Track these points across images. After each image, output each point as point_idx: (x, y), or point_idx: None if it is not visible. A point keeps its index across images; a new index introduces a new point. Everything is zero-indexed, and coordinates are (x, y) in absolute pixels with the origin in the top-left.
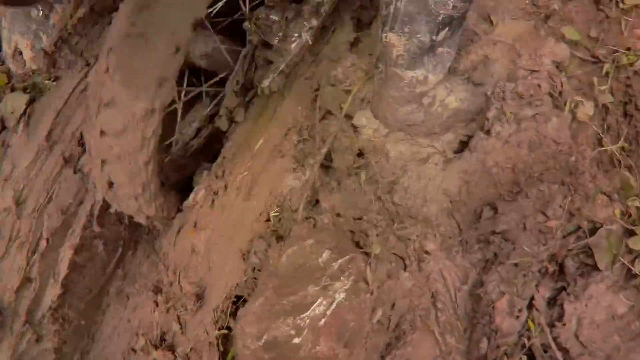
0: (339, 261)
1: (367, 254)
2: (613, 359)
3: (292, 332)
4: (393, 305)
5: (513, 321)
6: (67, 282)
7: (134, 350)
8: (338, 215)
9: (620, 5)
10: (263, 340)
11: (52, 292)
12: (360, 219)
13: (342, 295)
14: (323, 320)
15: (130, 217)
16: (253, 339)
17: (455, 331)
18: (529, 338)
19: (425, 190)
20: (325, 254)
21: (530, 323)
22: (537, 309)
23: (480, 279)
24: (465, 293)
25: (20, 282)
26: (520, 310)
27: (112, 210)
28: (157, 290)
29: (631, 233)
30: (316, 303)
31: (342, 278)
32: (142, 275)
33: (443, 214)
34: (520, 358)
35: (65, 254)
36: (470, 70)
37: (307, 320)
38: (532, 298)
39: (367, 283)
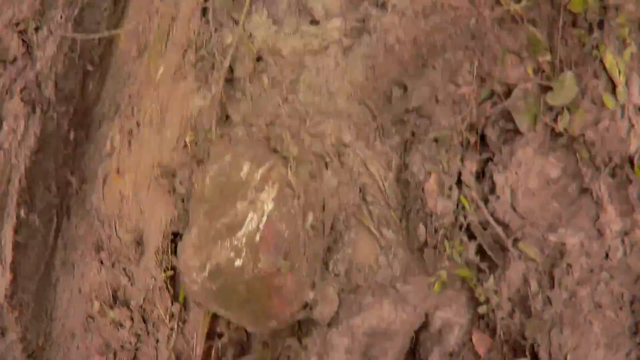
0: (260, 171)
1: (285, 158)
2: (556, 226)
3: (232, 254)
4: (323, 207)
5: (445, 201)
6: (14, 265)
7: (92, 317)
8: (250, 125)
9: None
10: (207, 271)
11: (4, 280)
12: (271, 124)
13: (271, 205)
14: (258, 235)
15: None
16: (197, 272)
17: (391, 222)
18: (465, 217)
19: (328, 83)
20: (246, 167)
21: (463, 200)
22: (467, 185)
23: (403, 162)
24: (393, 180)
25: None
26: (450, 189)
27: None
28: (98, 248)
29: (547, 89)
30: (248, 219)
31: (266, 187)
32: (81, 239)
33: (354, 103)
34: (461, 239)
35: (7, 237)
36: None
37: (244, 239)
38: (460, 174)
39: (292, 188)
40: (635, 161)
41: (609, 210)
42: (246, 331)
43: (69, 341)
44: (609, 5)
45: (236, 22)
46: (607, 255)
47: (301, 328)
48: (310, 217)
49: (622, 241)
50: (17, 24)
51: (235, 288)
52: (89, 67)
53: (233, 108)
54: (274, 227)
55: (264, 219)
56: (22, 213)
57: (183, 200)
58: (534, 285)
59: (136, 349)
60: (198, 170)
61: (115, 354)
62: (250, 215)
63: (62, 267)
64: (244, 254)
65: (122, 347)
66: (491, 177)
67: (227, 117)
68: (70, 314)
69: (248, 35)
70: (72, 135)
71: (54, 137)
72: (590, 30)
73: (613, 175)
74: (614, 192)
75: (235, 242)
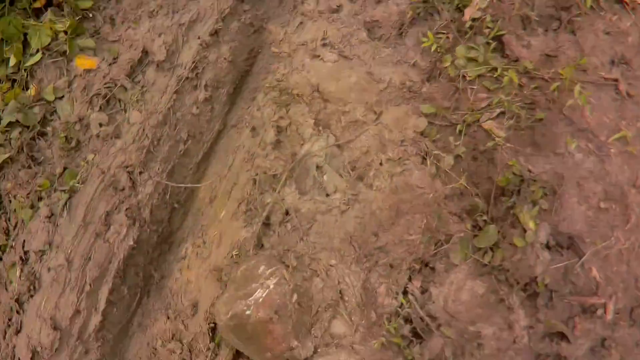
0: (269, 270)
1: (287, 266)
2: (477, 321)
3: (244, 308)
4: (312, 297)
5: (391, 300)
6: (105, 313)
7: (155, 349)
8: (272, 248)
9: (467, 77)
10: (229, 315)
11: (95, 320)
12: (287, 250)
13: (272, 286)
14: (261, 300)
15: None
16: (224, 315)
17: (359, 312)
18: (404, 310)
19: (330, 231)
20: (262, 268)
21: (403, 300)
22: (412, 294)
23: (367, 277)
24: (360, 287)
25: (73, 313)
26: (397, 294)
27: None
28: (167, 310)
29: (476, 236)
30: (257, 292)
31: (271, 278)
32: (155, 312)
33: (344, 243)
34: (399, 322)
35: (103, 295)
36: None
37: (252, 301)
38: (405, 287)
39: (286, 281)
40: (539, 280)
41: (519, 312)
42: None
43: None
44: (525, 178)
45: (274, 190)
46: (514, 341)
47: None
48: (295, 297)
49: (528, 332)
50: (127, 167)
51: (245, 327)
52: (176, 205)
53: (266, 240)
54: (271, 297)
55: (266, 292)
56: (116, 283)
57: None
58: (448, 353)
59: None
60: (236, 268)
61: None
62: (259, 290)
63: (138, 327)
64: (251, 307)
65: None
66: (429, 291)
67: (262, 245)
68: (138, 357)
69: (281, 199)
70: (158, 247)
71: (145, 244)
72: (511, 196)
73: (524, 290)
74: (524, 301)
75: (248, 302)
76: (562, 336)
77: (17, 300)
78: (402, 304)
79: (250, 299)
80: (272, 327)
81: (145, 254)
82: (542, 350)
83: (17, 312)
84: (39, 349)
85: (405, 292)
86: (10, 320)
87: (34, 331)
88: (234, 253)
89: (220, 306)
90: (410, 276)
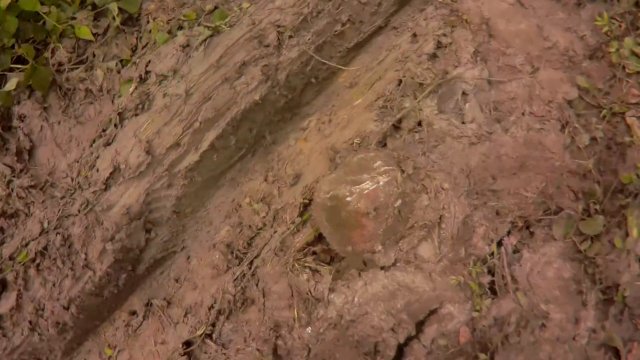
0: (384, 168)
1: (403, 171)
2: (550, 302)
3: (347, 193)
4: (413, 210)
5: (485, 245)
6: (203, 155)
7: (240, 205)
8: (394, 151)
9: (626, 69)
10: (329, 194)
11: (191, 158)
12: (407, 158)
13: (381, 183)
14: (366, 192)
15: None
16: (324, 193)
17: (448, 243)
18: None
19: (453, 157)
20: (378, 162)
21: (495, 250)
22: (504, 248)
23: (471, 214)
24: (460, 221)
25: (172, 144)
26: (492, 241)
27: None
28: (267, 174)
29: (583, 220)
30: (365, 182)
31: (383, 176)
32: (252, 170)
33: (462, 174)
34: (482, 268)
35: (209, 137)
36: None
37: (357, 190)
38: (502, 239)
39: (396, 184)
40: (620, 289)
41: (590, 312)
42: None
43: (212, 215)
44: None
45: (415, 98)
46: (574, 338)
47: (366, 265)
48: (399, 201)
49: (589, 334)
50: (279, 27)
51: (339, 212)
52: (313, 80)
53: (390, 140)
54: (376, 192)
55: (374, 187)
56: (227, 131)
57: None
58: (513, 319)
59: (259, 230)
60: (352, 153)
61: (241, 229)
62: (367, 182)
63: (230, 180)
64: (354, 195)
65: (249, 226)
66: (521, 252)
67: (385, 144)
68: (217, 209)
69: (419, 108)
70: (281, 113)
71: (270, 105)
72: (628, 195)
73: (604, 292)
74: (599, 303)
75: (352, 189)
76: (616, 353)
77: (119, 114)
78: (492, 253)
79: (357, 187)
80: (366, 222)
81: (266, 114)
82: (594, 358)
83: (115, 125)
84: (122, 166)
85: (499, 244)
86: (104, 131)
87: (125, 149)
88: (355, 141)
89: (324, 184)
90: (510, 230)
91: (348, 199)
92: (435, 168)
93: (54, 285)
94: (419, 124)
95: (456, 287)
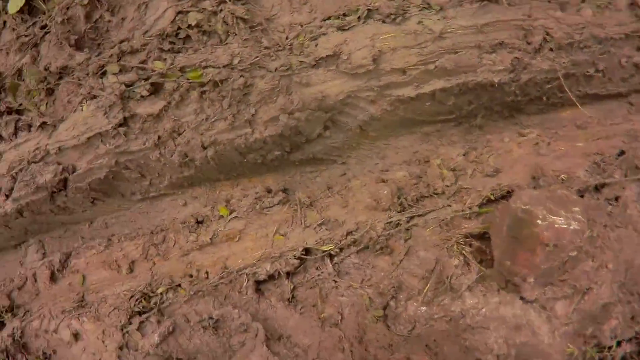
0: (579, 216)
1: (591, 230)
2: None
3: (540, 216)
4: (575, 267)
5: (608, 337)
6: (419, 96)
7: (427, 161)
8: (589, 208)
9: None
10: (526, 207)
11: (407, 91)
12: (595, 221)
13: (572, 228)
14: (557, 226)
15: None
16: (522, 202)
17: (582, 314)
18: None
19: (626, 245)
20: (576, 209)
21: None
22: (620, 350)
23: (614, 303)
24: (602, 303)
25: (399, 67)
26: (615, 337)
27: None
28: (471, 149)
29: None
30: (560, 217)
31: (576, 223)
32: (451, 140)
33: (623, 265)
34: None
35: (435, 85)
36: None
37: (551, 219)
38: (621, 342)
39: (581, 237)
40: None
41: None
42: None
43: (388, 152)
44: None
45: (626, 176)
46: None
47: (506, 287)
48: (573, 253)
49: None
50: (548, 34)
51: (523, 227)
52: (544, 98)
53: (587, 195)
54: (565, 232)
55: (565, 226)
56: (453, 88)
57: None
58: None
59: (435, 193)
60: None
61: (417, 182)
62: (562, 218)
63: (423, 135)
64: (545, 222)
65: (428, 185)
66: None
67: (583, 196)
68: (397, 150)
69: (623, 187)
70: (501, 106)
71: (499, 92)
72: None
73: None
74: None
75: (547, 216)
76: None
77: (368, 10)
78: (610, 347)
79: (552, 216)
80: (539, 252)
81: (491, 99)
82: None
83: (359, 18)
84: (344, 57)
85: (619, 344)
86: (344, 15)
87: (355, 43)
88: (562, 176)
89: (526, 195)
90: (632, 338)
91: (539, 221)
92: (606, 244)
93: (206, 119)
94: (616, 199)
95: (568, 357)
